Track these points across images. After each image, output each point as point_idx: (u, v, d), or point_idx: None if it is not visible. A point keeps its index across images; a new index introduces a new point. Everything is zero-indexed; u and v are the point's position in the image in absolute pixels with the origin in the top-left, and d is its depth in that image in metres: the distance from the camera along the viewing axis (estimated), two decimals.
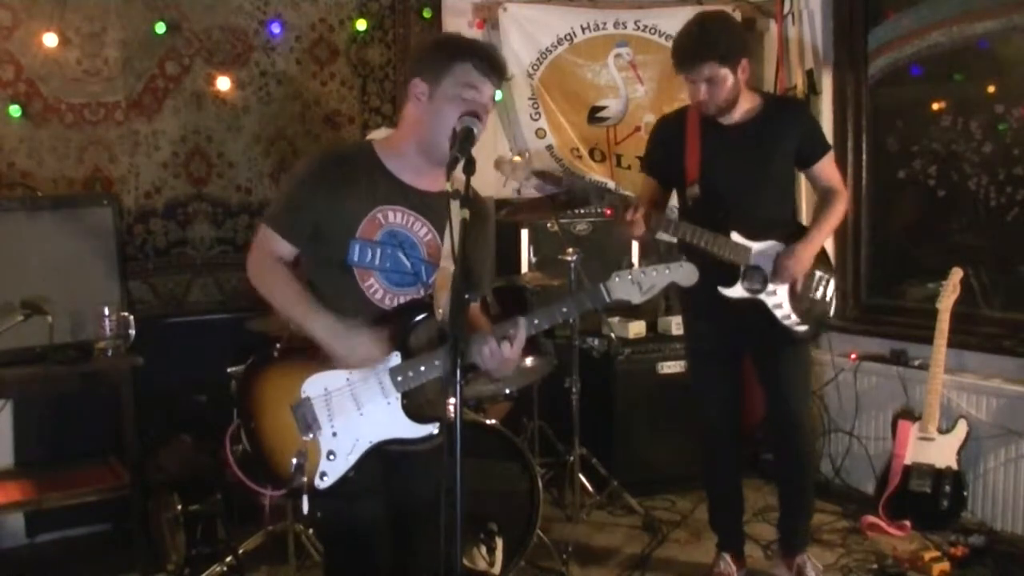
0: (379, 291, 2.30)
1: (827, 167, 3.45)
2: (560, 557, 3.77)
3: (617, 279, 2.24)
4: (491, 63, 2.27)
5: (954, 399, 4.09)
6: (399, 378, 2.25)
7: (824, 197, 3.47)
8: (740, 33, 3.40)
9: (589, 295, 2.26)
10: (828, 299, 3.45)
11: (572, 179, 3.21)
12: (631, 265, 2.25)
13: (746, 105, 3.32)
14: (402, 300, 2.32)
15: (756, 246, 3.30)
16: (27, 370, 3.48)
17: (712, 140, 3.35)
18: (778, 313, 3.34)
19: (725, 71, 3.17)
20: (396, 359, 2.26)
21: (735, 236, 3.29)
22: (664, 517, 4.29)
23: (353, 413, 2.26)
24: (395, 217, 2.31)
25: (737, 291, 3.31)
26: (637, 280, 2.24)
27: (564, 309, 2.26)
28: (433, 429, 2.28)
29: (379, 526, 2.35)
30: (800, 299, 3.36)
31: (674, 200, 3.59)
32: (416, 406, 2.28)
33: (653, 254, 4.86)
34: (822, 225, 3.40)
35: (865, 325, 4.63)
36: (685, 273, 2.26)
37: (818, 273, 3.40)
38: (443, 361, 2.19)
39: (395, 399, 2.26)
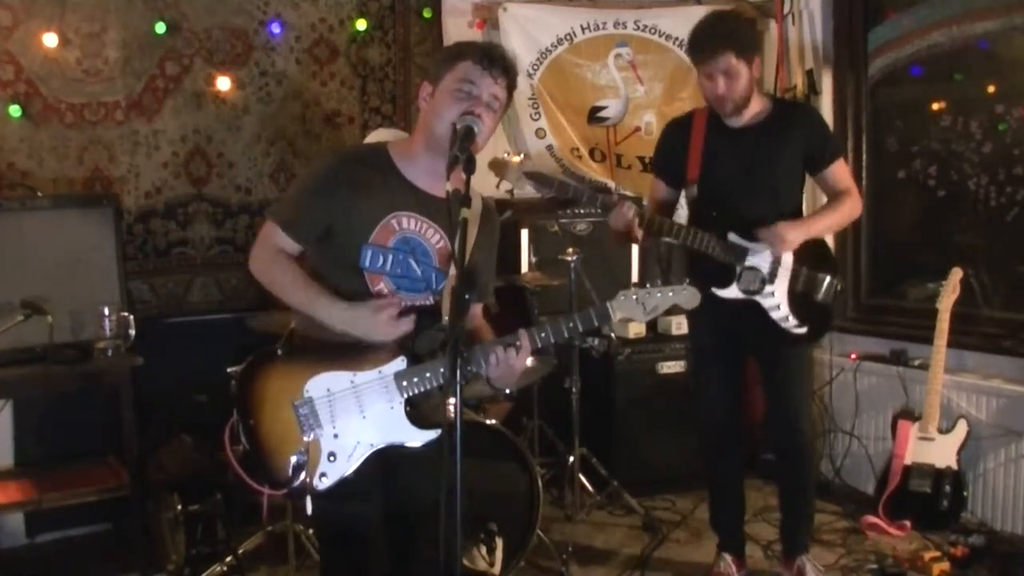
0: (388, 296, 2.30)
1: (837, 172, 3.40)
2: (560, 557, 3.77)
3: (622, 298, 2.29)
4: (491, 58, 2.27)
5: (954, 399, 4.10)
6: (404, 383, 2.25)
7: (831, 199, 3.45)
8: (754, 30, 3.43)
9: (596, 312, 2.29)
10: (830, 302, 3.41)
11: (564, 183, 3.21)
12: (641, 285, 2.31)
13: (755, 108, 3.31)
14: (411, 306, 2.31)
15: (754, 246, 3.29)
16: (27, 370, 3.47)
17: (715, 141, 3.35)
18: (775, 315, 3.32)
19: (742, 65, 3.18)
20: (402, 364, 2.26)
21: (732, 237, 3.28)
22: (664, 517, 4.30)
23: (356, 415, 2.26)
24: (409, 224, 2.31)
25: (732, 292, 3.31)
26: (642, 300, 2.29)
27: (571, 324, 2.28)
28: (435, 435, 2.27)
29: (375, 528, 2.35)
30: (799, 301, 3.34)
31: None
32: (420, 412, 2.28)
33: (652, 255, 4.88)
34: (822, 216, 3.37)
35: (865, 325, 4.63)
36: (688, 296, 2.33)
37: (820, 275, 3.35)
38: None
39: (399, 404, 2.26)
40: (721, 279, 3.29)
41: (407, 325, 2.25)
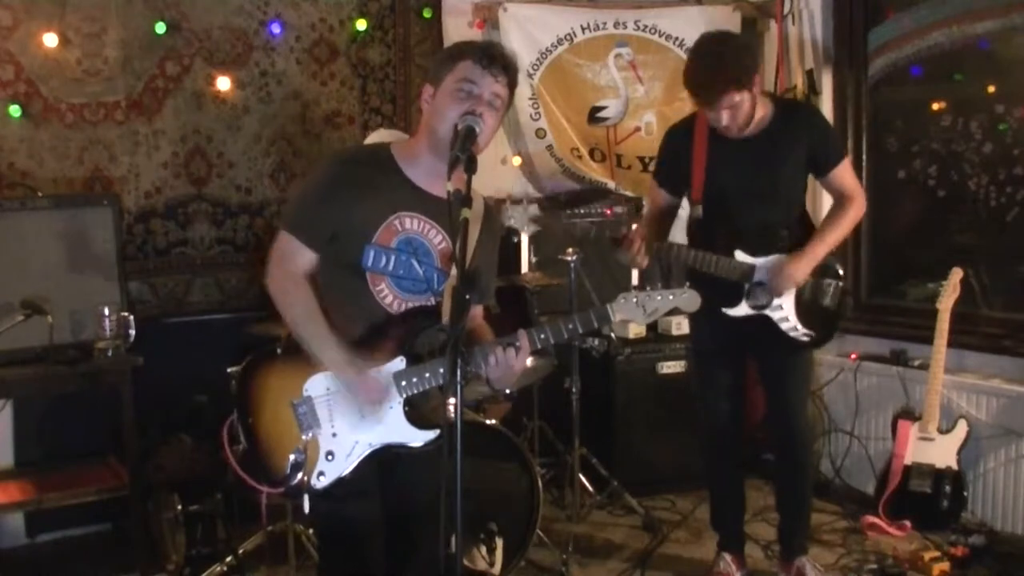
0: (389, 296, 2.30)
1: (842, 175, 3.38)
2: (560, 557, 3.77)
3: (623, 300, 2.29)
4: (490, 56, 2.27)
5: (954, 399, 4.09)
6: (403, 383, 2.26)
7: (836, 204, 3.43)
8: (750, 51, 3.32)
9: (596, 314, 2.29)
10: (837, 307, 3.41)
11: (573, 224, 3.22)
12: (641, 287, 2.32)
13: (758, 114, 3.27)
14: (411, 306, 2.32)
15: (761, 262, 3.28)
16: (27, 370, 3.47)
17: (718, 154, 3.32)
18: (784, 326, 3.33)
19: (745, 94, 3.13)
20: (401, 364, 2.26)
21: (739, 255, 3.28)
22: (664, 517, 4.30)
23: (354, 415, 2.26)
24: (412, 224, 2.31)
25: (742, 310, 3.32)
26: (642, 303, 2.29)
27: (570, 326, 2.28)
28: (434, 435, 2.28)
29: (373, 527, 2.35)
30: (807, 309, 3.34)
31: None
32: (419, 412, 2.28)
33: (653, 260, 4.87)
34: (824, 237, 3.34)
35: (865, 325, 4.62)
36: (688, 300, 2.35)
37: (826, 281, 3.36)
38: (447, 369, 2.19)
39: (397, 404, 2.26)
40: (728, 296, 3.30)
41: (383, 400, 2.24)
